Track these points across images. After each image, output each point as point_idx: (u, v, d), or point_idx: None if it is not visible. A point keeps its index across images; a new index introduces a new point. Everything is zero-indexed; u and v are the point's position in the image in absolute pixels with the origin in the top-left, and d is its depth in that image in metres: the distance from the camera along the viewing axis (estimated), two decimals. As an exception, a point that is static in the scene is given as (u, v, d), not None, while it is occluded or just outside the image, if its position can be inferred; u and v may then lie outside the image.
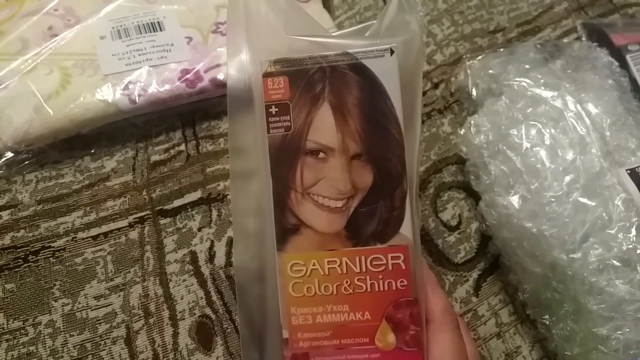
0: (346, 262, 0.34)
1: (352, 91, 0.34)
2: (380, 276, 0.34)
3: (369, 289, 0.34)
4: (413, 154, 0.35)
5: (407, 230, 0.34)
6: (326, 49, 0.35)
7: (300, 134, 0.34)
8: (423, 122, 0.53)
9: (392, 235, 0.34)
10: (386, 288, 0.34)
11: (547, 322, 0.42)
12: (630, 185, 0.41)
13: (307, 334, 0.34)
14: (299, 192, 0.34)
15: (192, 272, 0.44)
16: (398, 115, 0.34)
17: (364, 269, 0.34)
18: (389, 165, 0.34)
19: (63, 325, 0.41)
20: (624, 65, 0.51)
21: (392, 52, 0.34)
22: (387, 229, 0.34)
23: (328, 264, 0.34)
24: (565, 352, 0.41)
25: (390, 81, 0.34)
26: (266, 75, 0.35)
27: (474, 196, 0.49)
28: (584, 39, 0.57)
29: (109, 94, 0.46)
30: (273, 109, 0.34)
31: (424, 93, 0.54)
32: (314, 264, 0.34)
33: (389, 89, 0.34)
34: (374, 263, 0.34)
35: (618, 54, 0.52)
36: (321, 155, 0.34)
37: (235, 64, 0.36)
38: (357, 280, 0.34)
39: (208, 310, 0.43)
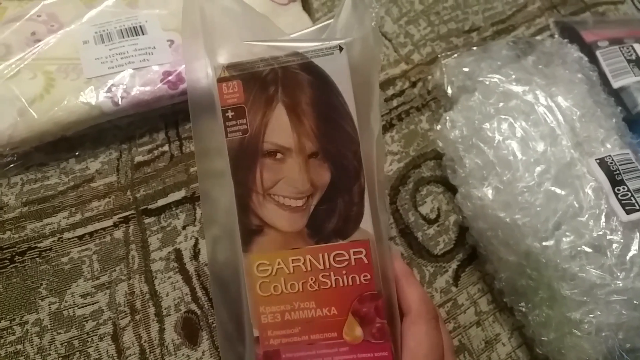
0: (310, 259, 0.35)
1: (305, 90, 0.35)
2: (344, 271, 0.34)
3: (333, 285, 0.34)
4: (372, 150, 0.35)
5: (367, 225, 0.35)
6: (282, 51, 0.35)
7: (257, 136, 0.35)
8: (402, 119, 0.54)
9: (353, 231, 0.35)
10: (350, 283, 0.34)
11: (524, 309, 0.44)
12: (600, 174, 0.42)
13: (277, 332, 0.35)
14: (259, 193, 0.35)
15: (177, 269, 0.45)
16: (351, 111, 0.35)
17: (327, 266, 0.34)
18: (345, 162, 0.35)
19: (50, 324, 0.42)
20: (594, 60, 0.52)
21: (340, 49, 0.35)
22: (347, 225, 0.35)
23: (292, 262, 0.35)
24: (542, 338, 0.42)
25: (341, 78, 0.35)
26: (220, 80, 0.35)
27: (452, 190, 0.50)
28: (556, 36, 0.58)
29: (92, 97, 0.47)
30: (229, 113, 0.35)
31: (403, 92, 0.56)
32: (279, 263, 0.35)
33: (340, 86, 0.35)
34: (337, 259, 0.34)
35: (588, 50, 0.53)
36: (279, 156, 0.35)
37: (194, 70, 0.36)
38: (322, 276, 0.34)
39: (193, 306, 0.44)
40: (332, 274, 0.34)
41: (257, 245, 0.35)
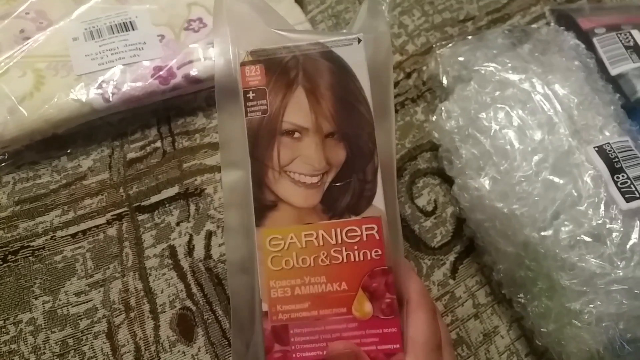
0: (322, 234, 0.35)
1: (324, 76, 0.37)
2: (356, 247, 0.35)
3: (344, 260, 0.35)
4: (389, 139, 0.37)
5: (379, 202, 0.36)
6: (304, 41, 0.37)
7: (277, 116, 0.36)
8: (397, 111, 0.54)
9: (366, 208, 0.36)
10: (361, 258, 0.35)
11: (523, 301, 0.43)
12: (598, 162, 0.42)
13: (285, 306, 0.35)
14: (276, 170, 0.36)
15: (171, 266, 0.45)
16: (367, 96, 0.36)
17: (339, 241, 0.35)
18: (360, 142, 0.36)
19: (44, 323, 0.42)
20: (590, 47, 0.51)
21: (359, 40, 0.37)
22: (360, 202, 0.36)
23: (305, 237, 0.35)
24: (542, 329, 0.42)
25: (358, 66, 0.37)
26: (243, 64, 0.37)
27: (449, 181, 0.50)
28: (552, 24, 0.58)
29: (82, 94, 0.47)
30: (250, 94, 0.36)
31: (397, 83, 0.55)
32: (291, 238, 0.35)
33: (357, 73, 0.37)
34: (349, 234, 0.35)
35: (585, 37, 0.53)
36: (296, 135, 0.36)
37: (221, 58, 0.38)
38: (334, 251, 0.35)
39: (188, 303, 0.43)
40: (343, 249, 0.35)
41: (270, 219, 0.35)
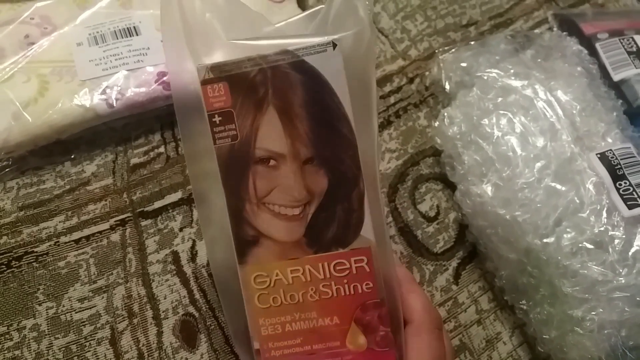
0: (309, 269, 0.33)
1: (297, 92, 0.32)
2: (345, 280, 0.33)
3: (335, 294, 0.33)
4: (372, 152, 0.34)
5: (368, 231, 0.33)
6: (271, 49, 0.33)
7: (248, 142, 0.33)
8: (399, 116, 0.54)
9: (354, 239, 0.33)
10: (352, 292, 0.33)
11: (525, 307, 0.43)
12: (601, 168, 0.42)
13: (277, 343, 0.33)
14: (253, 202, 0.33)
15: (174, 272, 0.45)
16: (347, 112, 0.33)
17: (328, 275, 0.33)
18: (343, 167, 0.33)
19: (48, 329, 0.42)
20: (593, 53, 0.51)
21: (334, 45, 0.32)
22: (347, 233, 0.33)
23: (291, 273, 0.33)
24: (544, 336, 0.42)
25: (335, 76, 0.32)
26: (204, 82, 0.33)
27: (451, 187, 0.50)
28: (555, 29, 0.58)
29: (86, 99, 0.47)
30: (217, 119, 0.33)
31: (400, 88, 0.55)
32: (277, 274, 0.33)
33: (335, 86, 0.32)
34: (338, 268, 0.33)
35: (588, 43, 0.52)
36: (272, 162, 0.33)
37: (177, 71, 0.34)
38: (322, 286, 0.33)
39: (191, 309, 0.44)
40: (333, 283, 0.33)
41: (253, 256, 0.33)
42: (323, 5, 0.35)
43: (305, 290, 0.33)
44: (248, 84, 0.33)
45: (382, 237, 0.33)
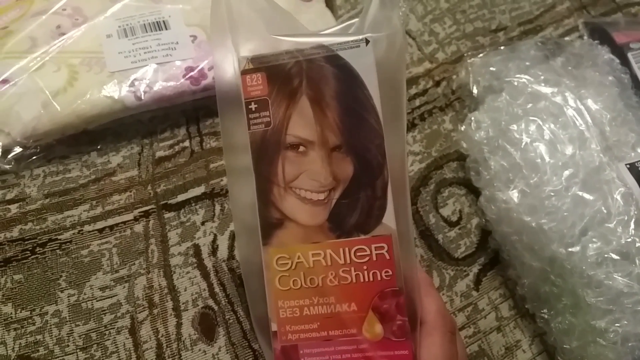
0: (330, 254, 0.34)
1: (329, 83, 0.34)
2: (365, 267, 0.34)
3: (354, 280, 0.34)
4: (400, 148, 0.35)
5: (390, 220, 0.34)
6: (308, 45, 0.35)
7: (280, 128, 0.34)
8: (424, 119, 0.54)
9: (375, 226, 0.34)
10: (371, 279, 0.33)
11: (546, 316, 0.43)
12: (630, 179, 0.41)
13: (295, 327, 0.34)
14: (281, 186, 0.34)
15: (195, 265, 0.45)
16: (376, 105, 0.34)
17: (348, 261, 0.34)
18: (369, 156, 0.34)
19: (69, 315, 0.42)
20: (625, 62, 0.51)
21: (367, 42, 0.34)
22: (369, 220, 0.34)
23: (312, 257, 0.34)
24: (564, 346, 0.41)
25: (366, 71, 0.34)
26: (244, 72, 0.35)
27: (475, 192, 0.49)
28: (585, 37, 0.57)
29: (115, 91, 0.47)
30: (252, 106, 0.35)
31: (426, 91, 0.55)
32: (298, 257, 0.34)
33: (365, 79, 0.34)
34: (358, 254, 0.34)
35: (620, 52, 0.52)
36: (301, 149, 0.34)
37: (222, 64, 0.36)
38: (342, 271, 0.34)
39: (211, 302, 0.44)
40: (352, 269, 0.34)
41: (277, 238, 0.34)
42: (357, 19, 0.36)
43: (325, 275, 0.34)
44: (284, 75, 0.35)
45: (405, 226, 0.34)
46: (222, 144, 0.36)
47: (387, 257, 0.33)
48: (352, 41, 0.34)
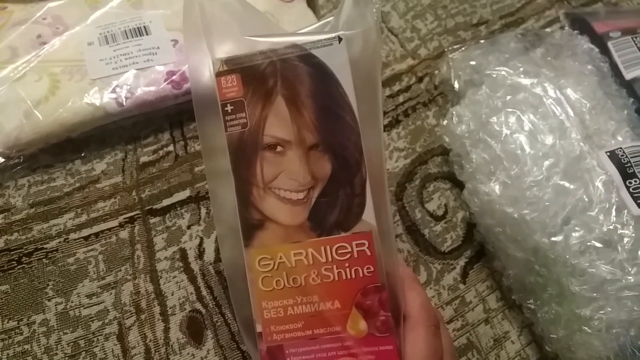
0: (312, 252, 0.34)
1: (304, 82, 0.35)
2: (347, 264, 0.34)
3: (336, 278, 0.34)
4: (378, 144, 0.35)
5: (369, 216, 0.34)
6: (281, 45, 0.35)
7: (257, 129, 0.35)
8: (408, 115, 0.54)
9: (355, 223, 0.34)
10: (353, 276, 0.34)
11: (532, 307, 0.43)
12: (610, 166, 0.41)
13: (279, 327, 0.34)
14: (260, 187, 0.35)
15: (182, 269, 0.45)
16: (351, 102, 0.34)
17: (330, 259, 0.34)
18: (346, 153, 0.34)
19: (57, 324, 0.42)
20: (605, 51, 0.51)
21: (339, 39, 0.34)
22: (349, 217, 0.34)
23: (294, 256, 0.34)
24: (551, 335, 0.41)
25: (341, 69, 0.34)
26: (219, 74, 0.35)
27: (459, 186, 0.49)
28: (566, 27, 0.57)
29: (97, 98, 0.47)
30: (228, 107, 0.35)
31: (409, 87, 0.55)
32: (280, 257, 0.34)
33: (340, 77, 0.34)
34: (339, 252, 0.34)
35: (600, 41, 0.52)
36: (279, 149, 0.34)
37: (196, 67, 0.36)
38: (324, 270, 0.34)
39: (198, 305, 0.44)
40: (334, 267, 0.34)
41: (258, 239, 0.34)
42: (332, 17, 0.37)
43: (307, 274, 0.34)
44: (259, 75, 0.35)
45: (385, 222, 0.34)
46: (201, 147, 0.37)
47: (369, 253, 0.34)
48: (325, 39, 0.35)
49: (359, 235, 0.34)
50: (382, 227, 0.34)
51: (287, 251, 0.34)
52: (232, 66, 0.35)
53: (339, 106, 0.34)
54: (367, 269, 0.34)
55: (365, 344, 0.33)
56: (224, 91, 0.35)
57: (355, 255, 0.34)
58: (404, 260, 0.46)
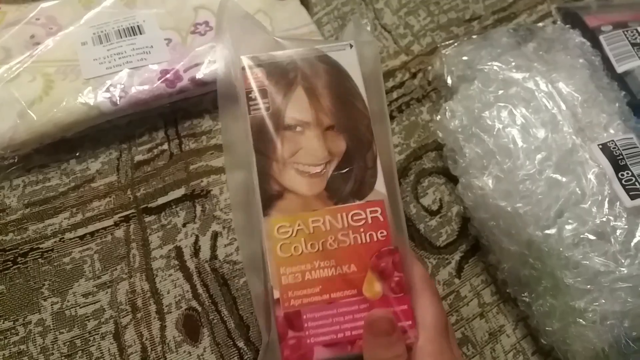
0: (329, 219, 0.36)
1: (321, 76, 0.40)
2: (362, 229, 0.36)
3: (352, 243, 0.36)
4: (387, 147, 0.39)
5: (381, 187, 0.37)
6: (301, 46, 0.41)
7: (279, 112, 0.39)
8: (402, 111, 0.54)
9: (369, 192, 0.37)
10: (368, 240, 0.36)
11: (527, 300, 0.43)
12: (602, 159, 0.42)
13: (297, 292, 0.35)
14: (280, 162, 0.37)
15: (177, 267, 0.45)
16: (362, 93, 0.39)
17: (346, 225, 0.36)
18: (359, 134, 0.38)
19: (53, 324, 0.42)
20: (597, 45, 0.51)
21: (351, 46, 0.41)
22: (363, 187, 0.37)
23: (312, 223, 0.36)
24: (546, 328, 0.41)
25: (352, 68, 0.40)
26: (245, 68, 0.40)
27: (454, 181, 0.49)
28: (558, 22, 0.57)
29: (90, 97, 0.47)
30: (253, 94, 0.39)
31: (403, 83, 0.55)
32: (299, 225, 0.36)
33: (352, 74, 0.40)
34: (355, 218, 0.36)
35: (591, 35, 0.52)
36: (298, 129, 0.38)
37: (224, 65, 0.41)
38: (341, 235, 0.36)
39: (194, 303, 0.44)
40: (350, 232, 0.36)
41: (277, 208, 0.37)
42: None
43: (325, 239, 0.36)
44: (281, 70, 0.40)
45: (393, 194, 0.38)
46: (222, 142, 0.42)
47: (381, 219, 0.37)
48: (339, 45, 0.41)
49: (373, 202, 0.37)
50: (392, 200, 0.37)
51: (305, 218, 0.36)
52: (257, 62, 0.40)
53: (351, 96, 0.39)
54: (380, 233, 0.36)
55: (382, 305, 0.35)
56: (249, 82, 0.39)
57: (369, 221, 0.36)
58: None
